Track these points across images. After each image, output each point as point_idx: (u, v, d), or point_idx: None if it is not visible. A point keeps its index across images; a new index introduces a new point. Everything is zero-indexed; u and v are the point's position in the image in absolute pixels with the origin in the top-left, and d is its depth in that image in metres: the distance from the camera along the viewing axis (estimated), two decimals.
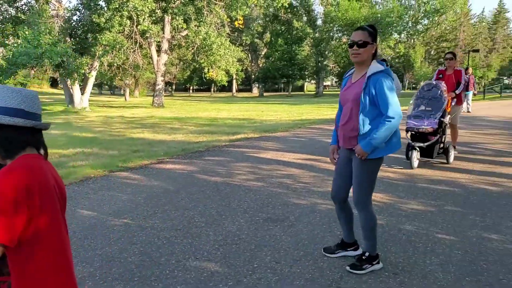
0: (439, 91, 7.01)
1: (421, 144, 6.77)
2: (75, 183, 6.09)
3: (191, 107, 27.59)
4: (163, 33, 27.08)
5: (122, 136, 11.48)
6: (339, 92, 3.84)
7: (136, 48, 25.99)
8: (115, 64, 26.68)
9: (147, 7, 21.98)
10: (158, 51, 28.49)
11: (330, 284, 3.10)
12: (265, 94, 60.17)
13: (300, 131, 12.62)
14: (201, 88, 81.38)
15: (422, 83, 7.17)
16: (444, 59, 8.01)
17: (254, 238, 3.96)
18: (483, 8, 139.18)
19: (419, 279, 3.17)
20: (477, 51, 45.61)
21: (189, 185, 5.91)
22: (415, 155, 6.77)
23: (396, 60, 55.93)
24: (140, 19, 22.90)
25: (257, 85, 63.44)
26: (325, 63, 51.89)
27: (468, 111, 17.56)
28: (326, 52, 50.73)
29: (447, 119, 7.11)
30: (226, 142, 10.11)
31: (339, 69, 53.21)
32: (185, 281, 3.15)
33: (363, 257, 3.31)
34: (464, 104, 17.32)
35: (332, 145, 3.55)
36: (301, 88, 77.07)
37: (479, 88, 40.17)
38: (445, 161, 7.29)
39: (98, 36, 22.36)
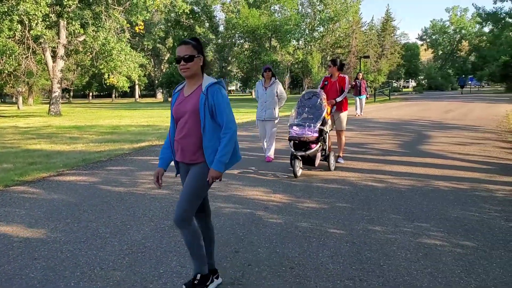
0: (319, 100, 7.08)
1: (303, 153, 6.76)
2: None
3: (91, 114, 26.60)
4: (59, 38, 25.84)
5: (17, 148, 10.87)
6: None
7: (29, 54, 24.51)
8: (6, 71, 24.94)
9: (40, 11, 20.84)
10: (54, 56, 27.10)
11: (233, 282, 3.32)
12: (169, 99, 59.41)
13: None
14: (102, 94, 78.52)
15: (303, 92, 7.46)
16: (328, 66, 8.45)
17: (160, 245, 4.07)
18: (372, 17, 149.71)
19: (312, 271, 3.50)
20: (368, 57, 48.86)
21: (92, 197, 5.84)
22: (298, 164, 6.82)
23: (296, 66, 58.23)
24: (32, 23, 21.65)
25: (161, 90, 62.63)
26: (229, 68, 52.65)
27: (359, 114, 18.87)
28: (230, 58, 51.50)
29: (327, 127, 7.17)
30: (129, 150, 10.00)
31: (242, 74, 54.14)
32: None
33: (195, 281, 3.14)
34: (358, 109, 18.64)
35: (160, 167, 3.25)
36: None
37: (371, 91, 43.12)
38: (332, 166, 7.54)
39: None
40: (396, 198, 5.61)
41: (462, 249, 3.94)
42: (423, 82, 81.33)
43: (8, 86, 34.64)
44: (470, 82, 65.28)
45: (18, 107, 39.60)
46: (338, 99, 7.65)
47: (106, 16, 26.00)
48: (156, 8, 29.29)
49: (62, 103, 31.28)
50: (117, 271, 3.53)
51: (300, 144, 6.80)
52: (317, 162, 7.06)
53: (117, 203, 5.51)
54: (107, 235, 4.33)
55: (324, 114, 6.95)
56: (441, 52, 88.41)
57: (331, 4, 58.26)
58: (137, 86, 62.02)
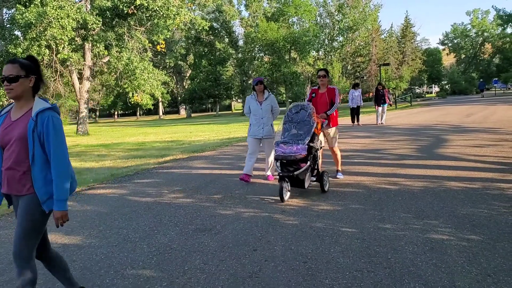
0: (307, 114, 6.44)
1: (290, 174, 6.01)
2: (7, 214, 6.24)
3: (117, 132, 27.41)
4: (84, 61, 26.84)
5: None
6: None
7: (57, 76, 25.56)
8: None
9: (66, 35, 21.79)
10: (80, 78, 28.13)
11: (251, 276, 3.66)
12: (193, 115, 60.51)
13: (227, 149, 13.21)
14: (127, 112, 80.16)
15: (290, 105, 6.79)
16: (317, 77, 7.40)
17: (185, 246, 4.44)
18: (392, 24, 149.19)
19: (324, 264, 3.81)
20: (388, 64, 48.87)
21: (121, 207, 6.27)
22: (285, 187, 6.11)
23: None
24: (59, 47, 22.64)
25: (184, 106, 63.70)
26: (249, 82, 53.21)
27: (381, 123, 19.00)
28: (250, 72, 52.17)
29: (317, 144, 6.46)
30: (154, 164, 10.47)
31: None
32: (124, 286, 3.57)
33: None
34: (378, 117, 18.80)
35: None
36: (228, 107, 78.24)
37: (394, 98, 43.10)
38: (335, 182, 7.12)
39: None
40: (408, 199, 5.86)
41: (468, 242, 4.19)
42: (447, 87, 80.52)
43: None
44: (495, 84, 64.38)
45: None
46: (329, 112, 7.04)
47: (128, 37, 26.95)
48: (177, 26, 30.11)
49: (89, 122, 32.27)
50: (146, 269, 3.90)
51: (288, 164, 6.10)
52: (307, 183, 6.25)
53: (144, 211, 5.92)
54: (137, 240, 4.73)
55: (313, 129, 6.28)
56: (463, 56, 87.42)
57: (349, 13, 58.56)
58: (160, 103, 63.25)
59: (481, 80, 69.15)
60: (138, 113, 71.14)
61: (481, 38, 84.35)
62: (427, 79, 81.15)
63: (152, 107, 35.56)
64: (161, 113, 65.25)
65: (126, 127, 36.38)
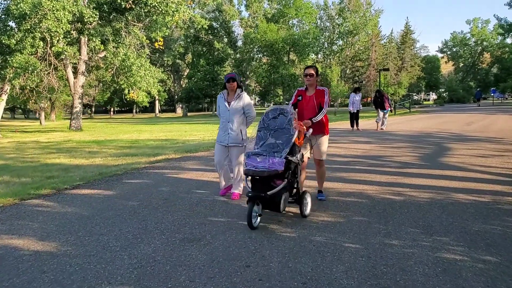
0: (287, 120, 5.22)
1: (263, 194, 4.79)
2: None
3: (112, 129, 26.91)
4: (80, 55, 26.34)
5: (36, 162, 10.99)
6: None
7: (51, 70, 25.03)
8: (28, 87, 25.52)
9: (62, 28, 21.27)
10: (75, 72, 27.63)
11: None
12: (189, 114, 60.01)
13: None
14: (123, 109, 79.61)
15: (267, 109, 5.59)
16: (303, 75, 6.07)
17: (170, 259, 4.00)
18: (392, 30, 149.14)
19: (325, 286, 3.37)
20: (387, 69, 48.59)
21: (105, 210, 5.81)
22: (256, 210, 4.85)
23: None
24: (54, 40, 22.13)
25: (180, 105, 63.23)
26: (247, 83, 52.84)
27: (382, 128, 18.58)
28: (248, 73, 51.76)
29: (298, 157, 5.18)
30: (146, 164, 10.01)
31: (260, 88, 54.30)
32: None
33: None
34: (380, 122, 18.41)
35: None
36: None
37: (392, 104, 42.86)
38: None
39: (9, 58, 21.30)
40: (415, 211, 5.44)
41: (484, 264, 3.77)
42: (444, 94, 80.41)
43: (31, 102, 35.35)
44: (492, 94, 64.31)
45: (40, 122, 40.37)
46: (316, 119, 5.76)
47: (126, 32, 26.47)
48: (176, 24, 29.64)
49: (83, 118, 31.80)
50: (125, 285, 3.46)
51: (260, 181, 4.91)
52: (284, 205, 4.99)
53: (130, 216, 5.47)
54: (117, 249, 4.28)
55: (294, 139, 5.10)
56: (462, 64, 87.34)
57: (350, 17, 58.28)
58: (157, 101, 62.80)
59: (479, 89, 69.23)
60: (134, 111, 70.53)
61: (480, 47, 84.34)
62: (425, 86, 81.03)
63: (148, 105, 35.02)
64: (157, 111, 64.76)
65: (121, 124, 35.87)
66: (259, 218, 4.93)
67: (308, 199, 5.44)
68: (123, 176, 8.49)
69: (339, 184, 7.17)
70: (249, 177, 5.03)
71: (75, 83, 27.00)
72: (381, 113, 18.64)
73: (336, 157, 10.01)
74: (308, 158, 6.12)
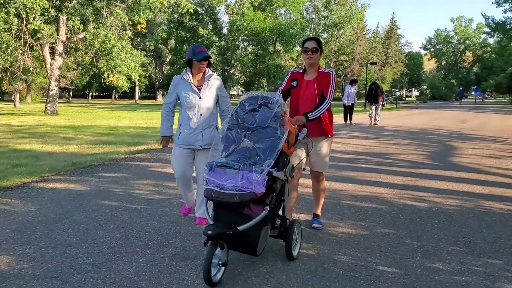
0: (272, 114, 3.40)
1: (230, 232, 3.03)
2: None
3: (89, 114, 25.57)
4: (58, 34, 24.83)
5: (5, 148, 9.85)
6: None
7: (26, 49, 23.50)
8: (1, 66, 23.96)
9: (38, 4, 19.82)
10: (52, 53, 26.10)
11: None
12: None
13: None
14: (102, 94, 77.61)
15: (242, 96, 3.61)
16: (302, 51, 4.24)
17: (158, 285, 3.04)
18: (377, 24, 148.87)
19: None
20: (375, 63, 48.22)
21: (76, 211, 4.80)
22: (219, 256, 3.06)
23: None
24: (30, 17, 20.67)
25: (161, 92, 61.77)
26: (231, 72, 51.70)
27: (376, 123, 17.78)
28: (233, 61, 50.60)
29: (286, 171, 3.37)
30: (125, 154, 8.98)
31: (245, 78, 53.23)
32: None
33: None
34: (373, 115, 17.62)
35: None
36: None
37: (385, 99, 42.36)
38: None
39: None
40: (447, 223, 4.59)
41: None
42: (427, 91, 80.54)
43: (4, 83, 33.60)
44: (474, 93, 64.60)
45: (15, 105, 38.56)
46: (314, 114, 3.96)
47: (107, 12, 25.07)
48: (160, 6, 28.33)
49: (61, 102, 30.36)
50: None
51: (228, 208, 3.20)
52: (262, 245, 3.24)
53: (106, 220, 4.47)
54: (89, 268, 3.30)
55: (282, 144, 3.27)
56: (444, 62, 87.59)
57: (336, 10, 57.57)
58: (137, 87, 61.13)
59: (461, 88, 69.59)
60: (113, 96, 68.65)
61: (462, 46, 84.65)
62: (407, 82, 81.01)
63: (128, 90, 33.69)
64: (137, 97, 63.05)
65: (99, 109, 34.42)
66: (223, 268, 3.08)
67: (298, 234, 3.69)
68: (99, 168, 7.45)
69: (349, 186, 6.28)
70: (210, 203, 3.26)
71: (52, 64, 25.49)
72: (373, 107, 17.84)
73: (336, 153, 9.13)
74: (304, 169, 4.37)
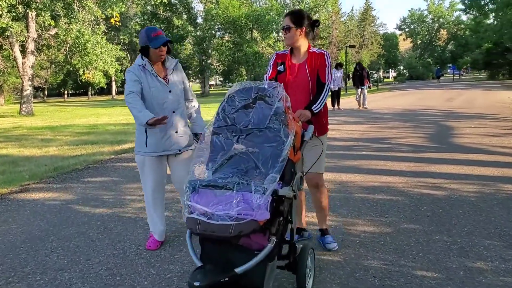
0: (272, 111, 2.53)
1: (226, 278, 2.20)
2: None
3: (66, 113, 24.71)
4: (28, 32, 23.83)
5: None
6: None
7: None
8: None
9: (5, 1, 18.90)
10: (23, 52, 25.07)
11: None
12: None
13: None
14: (77, 92, 75.94)
15: (231, 88, 2.66)
16: (283, 30, 3.38)
17: None
18: (352, 7, 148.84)
19: None
20: (353, 46, 48.08)
21: (64, 225, 4.29)
22: None
23: None
24: None
25: None
26: (209, 61, 50.88)
27: (365, 107, 17.37)
28: (210, 51, 49.79)
29: (294, 184, 2.54)
30: (110, 155, 8.43)
31: (223, 67, 52.50)
32: None
33: None
34: (360, 99, 17.24)
35: None
36: None
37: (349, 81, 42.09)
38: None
39: None
40: (473, 213, 4.22)
41: None
42: (404, 72, 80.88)
43: None
44: (451, 70, 65.16)
45: None
46: (318, 106, 3.25)
47: (79, 7, 24.12)
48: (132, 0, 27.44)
49: (36, 102, 29.35)
50: None
51: (219, 242, 2.32)
52: (268, 286, 2.36)
53: (98, 235, 3.98)
54: None
55: (288, 151, 2.43)
56: (419, 41, 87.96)
57: None
58: (113, 83, 59.86)
59: (438, 67, 70.07)
60: (89, 93, 67.18)
61: (437, 24, 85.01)
62: (384, 64, 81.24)
63: (105, 86, 32.77)
64: (114, 93, 61.71)
65: (77, 107, 33.44)
66: None
67: (312, 264, 2.90)
68: (84, 172, 6.91)
69: (356, 176, 5.87)
70: (193, 236, 2.44)
71: (24, 63, 24.48)
72: (359, 90, 17.44)
73: (332, 140, 8.75)
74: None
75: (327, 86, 3.34)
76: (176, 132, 3.52)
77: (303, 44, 3.39)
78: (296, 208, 2.72)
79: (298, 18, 3.36)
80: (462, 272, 3.02)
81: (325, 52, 3.42)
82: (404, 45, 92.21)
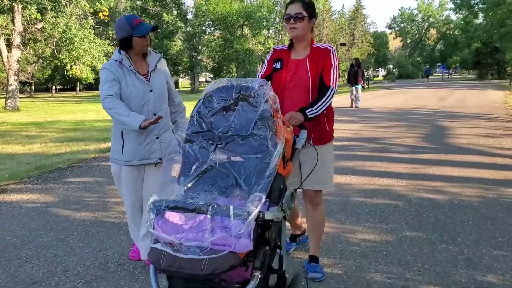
0: (257, 115, 2.01)
1: None
2: None
3: (53, 109, 24.22)
4: (13, 25, 23.29)
5: None
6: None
7: None
8: None
9: None
10: (9, 46, 24.51)
11: None
12: None
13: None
14: (65, 87, 75.02)
15: (208, 86, 2.14)
16: (284, 20, 2.91)
17: None
18: (343, 5, 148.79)
19: None
20: (344, 44, 47.96)
21: (42, 231, 3.99)
22: None
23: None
24: None
25: None
26: (199, 58, 50.43)
27: (357, 106, 17.08)
28: (200, 47, 49.37)
29: (283, 203, 1.96)
30: (95, 153, 8.12)
31: (214, 64, 52.09)
32: None
33: None
34: (353, 98, 16.98)
35: None
36: (175, 84, 74.95)
37: (343, 80, 41.97)
38: None
39: None
40: (477, 219, 4.00)
41: None
42: (393, 70, 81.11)
43: None
44: (441, 69, 65.40)
45: None
46: (314, 111, 2.67)
47: (66, 0, 23.64)
48: None
49: (22, 97, 28.81)
50: None
51: (189, 282, 1.84)
52: None
53: (79, 242, 3.69)
54: None
55: (276, 163, 1.91)
56: (409, 40, 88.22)
57: None
58: None
59: (428, 66, 70.39)
60: (77, 88, 66.38)
61: (426, 23, 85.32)
62: (374, 62, 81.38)
63: (93, 81, 32.19)
64: None
65: (64, 102, 32.90)
66: None
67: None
68: (68, 172, 6.59)
69: (352, 178, 5.64)
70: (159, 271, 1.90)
71: (9, 57, 23.94)
72: (353, 89, 17.11)
73: None
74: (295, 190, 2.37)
75: (332, 90, 2.75)
76: (157, 138, 3.06)
77: (308, 38, 2.90)
78: (285, 229, 2.18)
79: (312, 6, 2.83)
80: (473, 286, 2.79)
81: (331, 49, 2.88)
82: (394, 44, 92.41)
